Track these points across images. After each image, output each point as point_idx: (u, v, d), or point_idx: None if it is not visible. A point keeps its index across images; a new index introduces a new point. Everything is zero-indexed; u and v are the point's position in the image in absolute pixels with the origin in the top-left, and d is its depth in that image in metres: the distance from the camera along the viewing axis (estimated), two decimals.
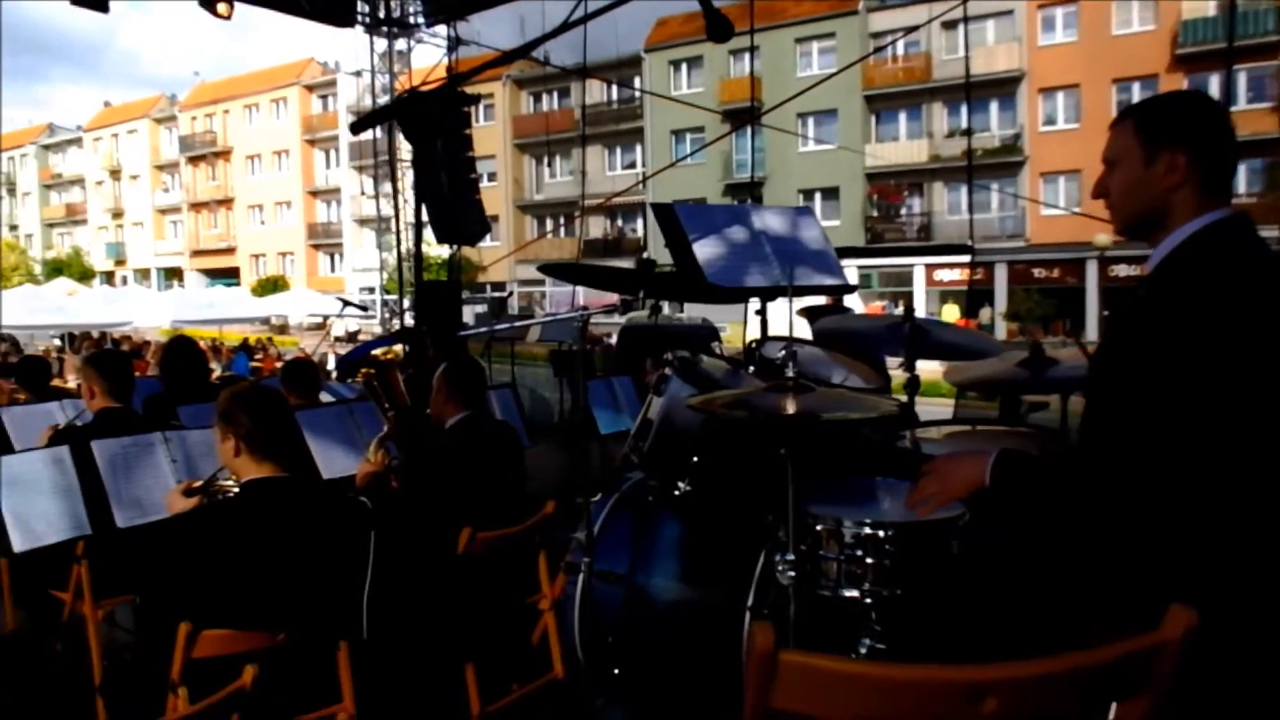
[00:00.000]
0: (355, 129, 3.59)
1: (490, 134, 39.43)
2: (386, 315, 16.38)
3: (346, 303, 11.77)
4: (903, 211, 33.08)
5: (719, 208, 3.90)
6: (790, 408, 1.95)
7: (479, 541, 3.38)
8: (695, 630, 2.49)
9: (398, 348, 6.13)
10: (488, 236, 8.83)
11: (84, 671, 3.66)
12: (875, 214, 33.34)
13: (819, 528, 2.15)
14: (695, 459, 2.49)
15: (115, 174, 57.07)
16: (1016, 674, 1.13)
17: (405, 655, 3.42)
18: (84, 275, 46.36)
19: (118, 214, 57.04)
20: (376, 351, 6.35)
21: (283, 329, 31.41)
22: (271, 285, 40.69)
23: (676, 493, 2.53)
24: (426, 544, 3.40)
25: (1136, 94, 25.84)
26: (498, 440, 3.92)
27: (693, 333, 7.54)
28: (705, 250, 3.05)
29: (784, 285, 2.97)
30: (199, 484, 2.93)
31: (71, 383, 13.74)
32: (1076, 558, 1.90)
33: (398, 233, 14.68)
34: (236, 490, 2.99)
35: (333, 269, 47.83)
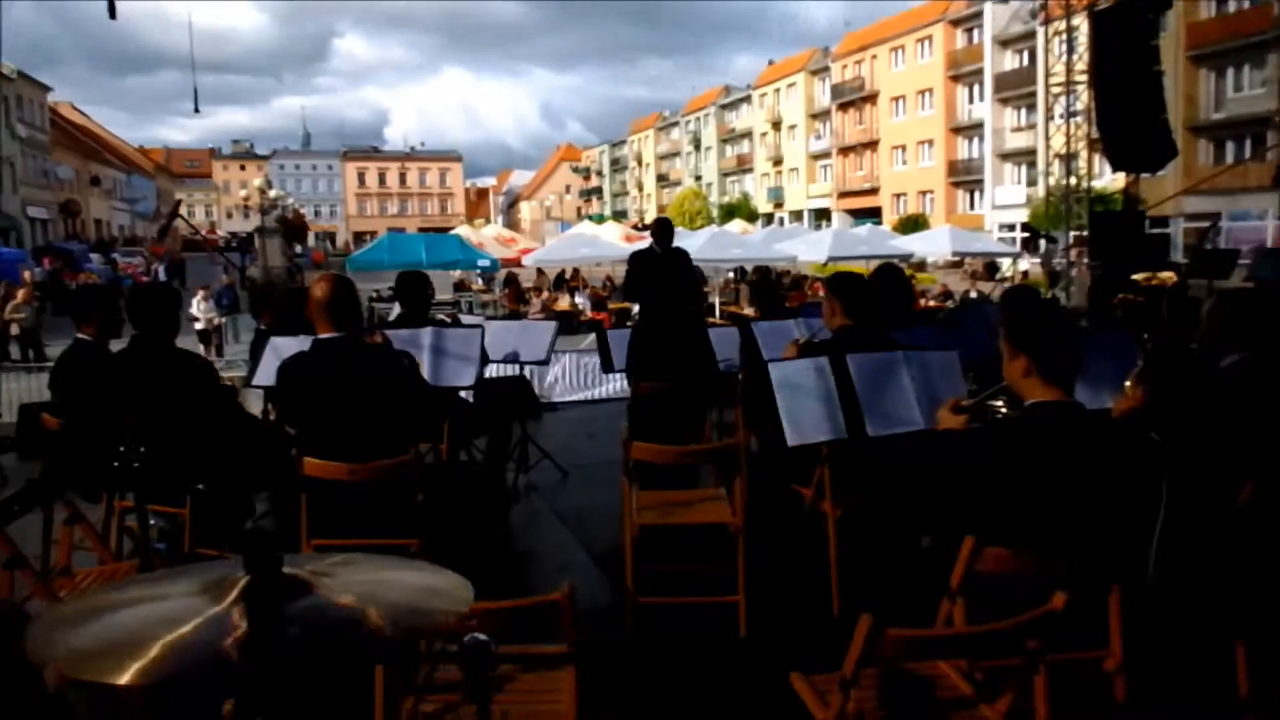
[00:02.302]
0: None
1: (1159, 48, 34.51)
2: (1047, 251, 15.47)
3: (1035, 235, 11.17)
4: None
5: None
6: None
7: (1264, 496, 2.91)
8: None
9: (1165, 274, 5.63)
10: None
11: (821, 566, 4.04)
12: None
13: None
14: None
15: (776, 125, 63.64)
16: None
17: (1168, 611, 3.11)
18: (750, 217, 52.61)
19: (777, 161, 63.66)
20: (1137, 276, 5.94)
21: (920, 266, 31.87)
22: (911, 224, 41.49)
23: None
24: (1201, 492, 3.02)
25: None
26: None
27: None
28: None
29: None
30: (967, 403, 2.93)
31: (747, 310, 15.62)
32: None
33: (1069, 159, 13.65)
34: (1004, 411, 2.96)
35: (971, 206, 47.08)
